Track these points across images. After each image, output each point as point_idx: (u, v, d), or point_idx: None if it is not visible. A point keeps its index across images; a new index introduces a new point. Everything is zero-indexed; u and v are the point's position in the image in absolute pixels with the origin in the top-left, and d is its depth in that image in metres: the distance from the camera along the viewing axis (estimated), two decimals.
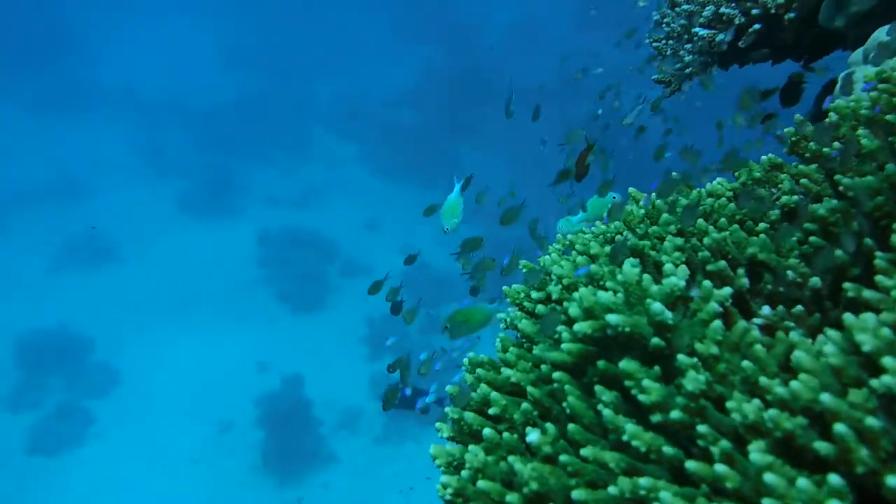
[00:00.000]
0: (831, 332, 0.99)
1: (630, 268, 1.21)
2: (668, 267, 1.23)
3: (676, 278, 1.18)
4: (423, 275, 12.16)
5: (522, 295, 1.62)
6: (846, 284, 1.16)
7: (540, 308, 1.45)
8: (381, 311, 11.60)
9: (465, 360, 1.46)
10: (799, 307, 1.22)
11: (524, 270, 1.67)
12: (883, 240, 1.23)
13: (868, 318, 0.95)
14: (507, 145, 14.99)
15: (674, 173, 1.59)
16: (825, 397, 0.90)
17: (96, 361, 11.51)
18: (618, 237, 1.45)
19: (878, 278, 1.11)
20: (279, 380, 10.64)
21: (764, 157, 1.67)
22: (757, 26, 2.54)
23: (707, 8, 2.62)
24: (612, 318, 1.15)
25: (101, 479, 9.83)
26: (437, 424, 1.41)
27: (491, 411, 1.26)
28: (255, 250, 13.67)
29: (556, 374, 1.23)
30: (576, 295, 1.24)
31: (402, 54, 19.31)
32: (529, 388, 1.26)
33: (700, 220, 1.41)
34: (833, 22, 2.30)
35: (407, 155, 15.55)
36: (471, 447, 1.21)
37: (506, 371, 1.32)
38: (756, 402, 0.97)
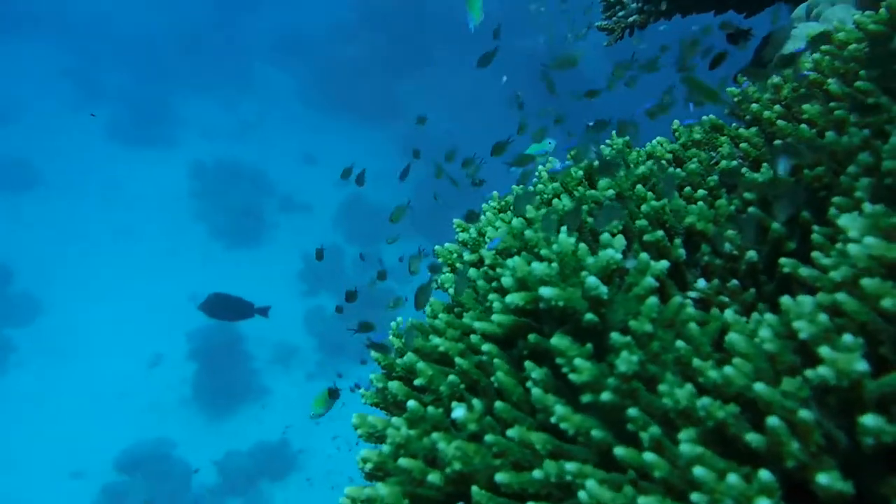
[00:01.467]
0: (768, 316, 0.96)
1: (566, 237, 1.16)
2: (604, 237, 1.19)
3: (613, 251, 1.13)
4: (360, 210, 12.04)
5: (455, 255, 1.56)
6: (782, 260, 1.13)
7: (472, 272, 1.39)
8: (316, 247, 11.46)
9: (393, 324, 1.40)
10: (734, 281, 1.19)
11: (458, 231, 1.61)
12: (821, 213, 1.20)
13: (805, 301, 0.92)
14: (447, 83, 14.74)
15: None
16: (759, 387, 0.87)
17: (17, 290, 11.14)
18: (555, 201, 1.40)
19: (815, 255, 1.08)
20: None
21: (705, 118, 1.63)
22: None
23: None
24: (545, 291, 1.10)
25: (21, 408, 9.62)
26: (361, 391, 1.36)
27: (417, 382, 1.21)
28: (188, 183, 13.28)
29: (486, 347, 1.18)
30: (509, 263, 1.19)
31: None
32: (457, 359, 1.21)
33: (639, 187, 1.36)
34: None
35: (347, 90, 15.17)
36: (393, 420, 1.16)
37: (434, 339, 1.27)
38: (689, 387, 0.94)
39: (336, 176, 13.22)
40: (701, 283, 1.20)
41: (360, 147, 13.70)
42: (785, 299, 0.93)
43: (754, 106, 1.52)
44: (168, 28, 17.41)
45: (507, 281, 1.18)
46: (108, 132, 14.64)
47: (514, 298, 1.15)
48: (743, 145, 1.46)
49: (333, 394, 2.19)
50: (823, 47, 1.51)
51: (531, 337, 1.14)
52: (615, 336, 1.05)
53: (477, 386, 1.20)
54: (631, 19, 2.61)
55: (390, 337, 1.40)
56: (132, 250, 12.03)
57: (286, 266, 11.49)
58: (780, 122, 1.43)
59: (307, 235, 11.85)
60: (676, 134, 1.64)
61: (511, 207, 1.58)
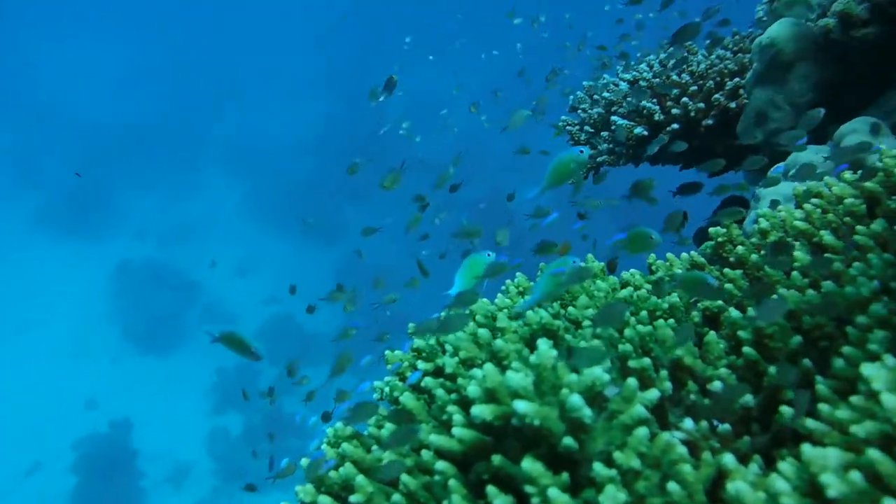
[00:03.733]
0: (785, 466, 0.82)
1: (547, 348, 1.02)
2: None
3: (600, 370, 0.99)
4: (288, 330, 11.69)
5: (406, 364, 1.40)
6: (784, 408, 1.01)
7: (429, 381, 1.23)
8: (234, 362, 10.99)
9: (329, 431, 1.21)
10: (726, 426, 1.06)
11: (412, 334, 1.46)
12: (822, 363, 1.10)
13: (832, 455, 0.79)
14: (393, 211, 14.78)
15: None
16: None
17: None
18: (529, 313, 1.27)
19: (823, 407, 0.96)
20: (107, 422, 9.78)
21: (685, 254, 1.55)
22: (675, 126, 2.50)
23: (628, 100, 2.56)
24: (521, 406, 0.94)
25: None
26: None
27: (353, 499, 1.02)
28: (111, 280, 12.75)
29: (441, 465, 1.00)
30: (477, 372, 1.04)
31: (307, 106, 18.89)
32: (404, 477, 1.03)
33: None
34: (752, 136, 2.28)
35: (292, 206, 15.09)
36: None
37: (378, 451, 1.08)
38: None
39: (266, 291, 12.83)
40: (687, 423, 1.06)
41: (297, 266, 13.51)
42: (807, 448, 0.80)
43: (740, 248, 1.45)
44: (119, 119, 17.28)
45: (473, 390, 1.02)
46: (35, 218, 14.14)
47: (481, 411, 0.99)
48: (728, 286, 1.37)
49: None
50: (814, 200, 1.47)
51: (496, 458, 0.97)
52: (599, 468, 0.89)
53: None
54: (600, 159, 2.61)
55: (324, 445, 1.20)
56: (34, 347, 11.31)
57: (198, 379, 10.92)
58: (768, 267, 1.36)
59: (226, 350, 11.37)
60: (654, 267, 1.55)
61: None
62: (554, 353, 1.03)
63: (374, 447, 1.10)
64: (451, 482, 0.98)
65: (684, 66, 2.50)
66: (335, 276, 13.38)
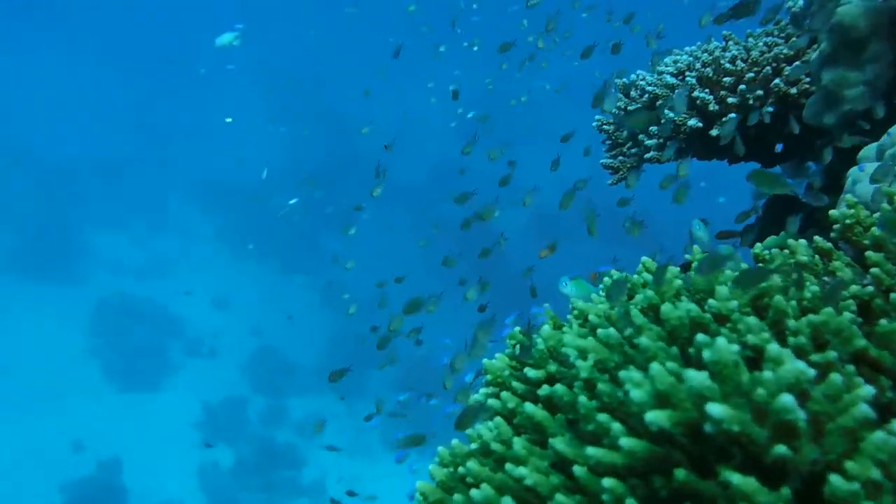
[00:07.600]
0: None
1: (725, 343, 0.83)
2: (772, 348, 0.86)
3: (803, 364, 0.80)
4: (271, 362, 11.41)
5: (508, 373, 1.20)
6: None
7: (546, 389, 1.03)
8: (220, 396, 10.66)
9: (442, 450, 1.01)
10: None
11: (510, 342, 1.27)
12: None
13: None
14: (373, 238, 14.40)
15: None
16: None
17: None
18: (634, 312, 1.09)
19: None
20: (95, 463, 9.40)
21: (803, 241, 1.37)
22: (732, 116, 2.34)
23: (677, 91, 2.40)
24: (715, 409, 0.76)
25: None
26: None
27: None
28: (89, 320, 12.32)
29: (608, 483, 0.81)
30: (632, 374, 0.85)
31: (277, 136, 18.37)
32: (559, 497, 0.83)
33: (777, 298, 1.06)
34: (822, 119, 2.12)
35: (269, 237, 14.72)
36: None
37: (515, 469, 0.89)
38: None
39: (248, 323, 12.46)
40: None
41: (277, 296, 13.21)
42: None
43: (875, 230, 1.28)
44: (87, 155, 16.83)
45: (638, 394, 0.83)
46: (4, 261, 13.62)
47: (657, 417, 0.80)
48: (874, 270, 1.19)
49: None
50: None
51: (679, 473, 0.78)
52: (838, 482, 0.70)
53: None
54: (648, 155, 2.44)
55: (432, 467, 1.00)
56: (12, 389, 10.77)
57: (184, 414, 10.56)
58: None
59: (210, 383, 11.05)
60: (766, 255, 1.37)
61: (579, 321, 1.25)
62: (735, 347, 0.84)
63: (510, 465, 0.90)
64: (629, 502, 0.78)
65: (734, 54, 2.36)
66: (318, 302, 13.06)
